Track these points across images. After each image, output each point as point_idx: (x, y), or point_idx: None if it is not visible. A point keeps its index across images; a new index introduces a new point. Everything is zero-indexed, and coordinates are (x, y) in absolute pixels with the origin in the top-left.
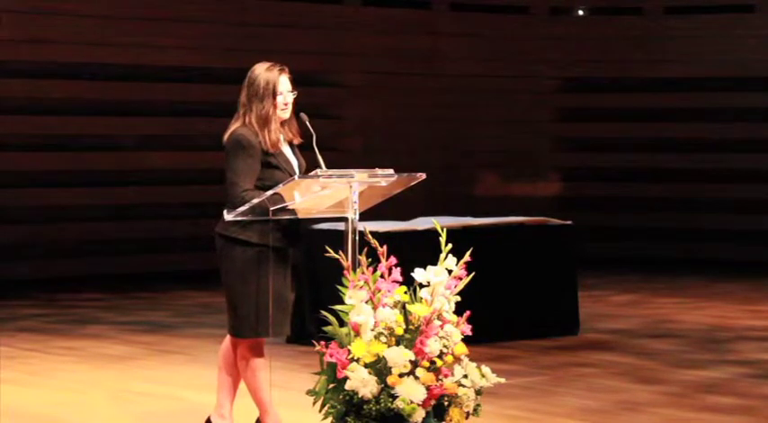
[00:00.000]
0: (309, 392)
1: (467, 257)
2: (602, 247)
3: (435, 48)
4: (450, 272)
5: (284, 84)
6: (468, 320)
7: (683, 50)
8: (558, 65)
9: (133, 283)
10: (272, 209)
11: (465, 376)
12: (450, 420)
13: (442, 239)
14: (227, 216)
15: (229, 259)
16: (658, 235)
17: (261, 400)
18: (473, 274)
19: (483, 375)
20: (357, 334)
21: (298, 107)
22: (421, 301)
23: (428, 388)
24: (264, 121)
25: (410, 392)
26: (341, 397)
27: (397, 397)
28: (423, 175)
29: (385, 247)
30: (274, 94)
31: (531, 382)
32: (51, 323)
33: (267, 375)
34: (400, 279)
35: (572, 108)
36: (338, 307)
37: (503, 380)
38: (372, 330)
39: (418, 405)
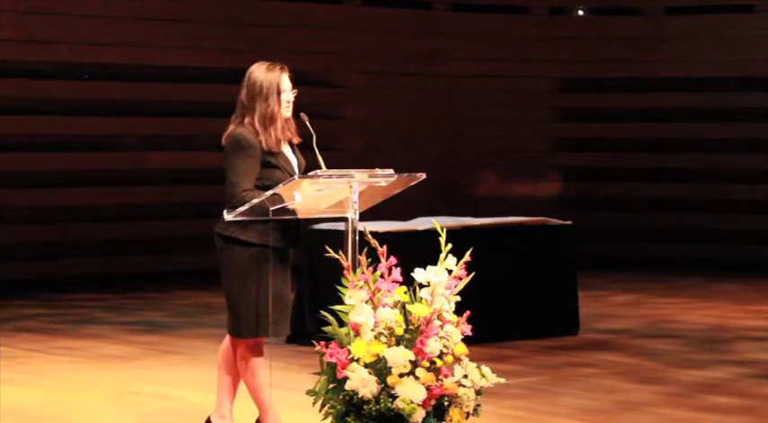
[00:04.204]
0: (309, 392)
1: (467, 257)
2: (602, 247)
3: (435, 48)
4: (450, 272)
5: (286, 82)
6: (468, 320)
7: (683, 50)
8: (558, 65)
9: (133, 283)
10: (272, 209)
11: (465, 376)
12: (451, 420)
13: (442, 239)
14: (227, 216)
15: (229, 259)
16: (658, 235)
17: (260, 400)
18: (473, 274)
19: (483, 375)
20: (357, 334)
21: (297, 107)
22: (421, 301)
23: (428, 388)
24: (270, 120)
25: (410, 392)
26: (341, 397)
27: (397, 397)
28: (423, 175)
29: (385, 247)
30: (279, 92)
31: (531, 382)
32: (51, 323)
33: (267, 375)
34: (400, 279)
35: (572, 108)
36: (338, 307)
37: (503, 380)
38: (372, 330)
39: (418, 405)
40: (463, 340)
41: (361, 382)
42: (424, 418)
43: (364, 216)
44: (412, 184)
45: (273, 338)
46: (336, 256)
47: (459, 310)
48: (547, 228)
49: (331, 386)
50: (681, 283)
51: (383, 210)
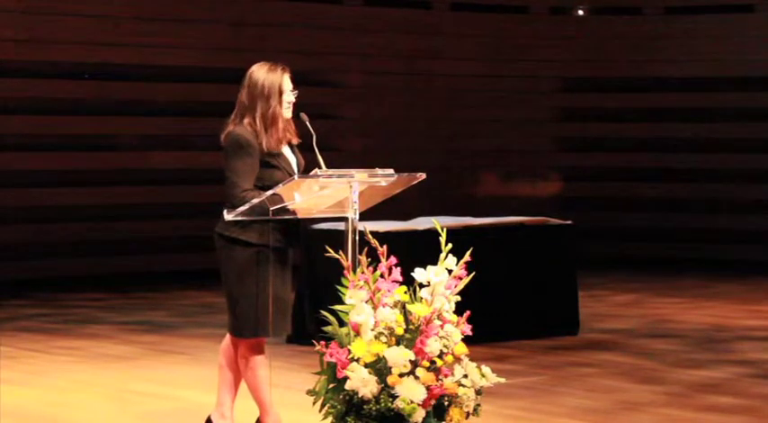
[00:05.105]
0: (309, 392)
1: (467, 257)
2: (602, 247)
3: (435, 48)
4: (450, 272)
5: (288, 83)
6: (468, 320)
7: (683, 50)
8: (558, 65)
9: (133, 283)
10: (272, 209)
11: (465, 376)
12: (451, 420)
13: (442, 239)
14: (227, 216)
15: (229, 259)
16: (658, 235)
17: (261, 399)
18: (473, 273)
19: (483, 375)
20: (357, 334)
21: (298, 107)
22: (421, 301)
23: (428, 388)
24: (272, 121)
25: (410, 392)
26: (341, 397)
27: (397, 397)
28: (423, 175)
29: (385, 247)
30: (281, 93)
31: (531, 382)
32: (51, 323)
33: (267, 374)
34: (400, 279)
35: (572, 108)
36: (338, 307)
37: (503, 380)
38: (372, 330)
39: (418, 405)
40: (463, 340)
41: (362, 382)
42: (424, 418)
43: (364, 216)
44: (412, 184)
45: (274, 338)
46: (336, 256)
47: (459, 310)
48: (547, 228)
49: (331, 386)
50: (681, 283)
51: (383, 210)
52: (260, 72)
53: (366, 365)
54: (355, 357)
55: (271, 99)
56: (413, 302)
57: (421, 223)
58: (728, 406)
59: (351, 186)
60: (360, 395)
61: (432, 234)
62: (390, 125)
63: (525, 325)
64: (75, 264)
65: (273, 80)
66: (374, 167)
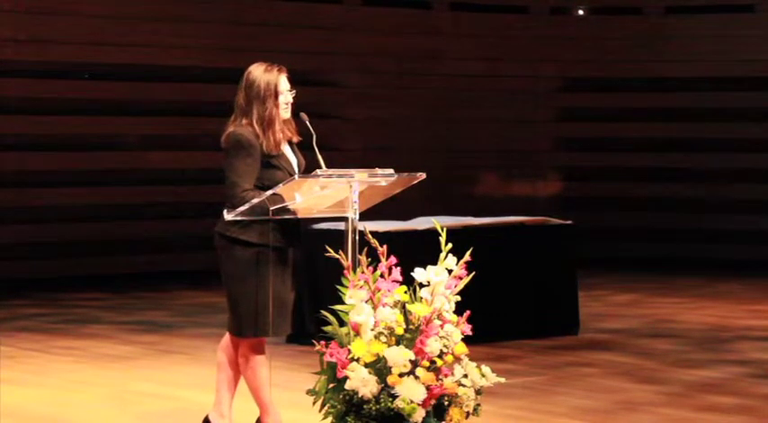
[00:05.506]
0: (309, 392)
1: (467, 257)
2: (602, 247)
3: (435, 48)
4: (450, 271)
5: (284, 83)
6: (468, 320)
7: (683, 50)
8: (558, 65)
9: (133, 283)
10: (272, 209)
11: (465, 376)
12: (451, 420)
13: (442, 239)
14: (227, 216)
15: (229, 259)
16: (658, 235)
17: (261, 399)
18: (473, 273)
19: (483, 375)
20: (357, 334)
21: (298, 107)
22: (421, 301)
23: (428, 388)
24: (269, 122)
25: (410, 392)
26: (341, 397)
27: (397, 397)
28: (423, 175)
29: (385, 246)
30: (276, 95)
31: (531, 382)
32: (51, 323)
33: (268, 373)
34: (400, 279)
35: (572, 108)
36: (338, 307)
37: (503, 380)
38: (372, 330)
39: (418, 405)
40: (463, 340)
41: (361, 382)
42: (424, 418)
43: (364, 216)
44: (412, 183)
45: (274, 338)
46: (336, 256)
47: (459, 310)
48: (547, 228)
49: (331, 386)
50: (681, 283)
51: (383, 210)
52: (256, 73)
53: (366, 365)
54: (355, 357)
55: (267, 101)
56: (413, 302)
57: (421, 223)
58: (728, 406)
59: (351, 186)
60: (360, 395)
61: (432, 234)
62: (390, 125)
63: (525, 325)
64: (75, 264)
65: (269, 81)
66: (374, 167)
